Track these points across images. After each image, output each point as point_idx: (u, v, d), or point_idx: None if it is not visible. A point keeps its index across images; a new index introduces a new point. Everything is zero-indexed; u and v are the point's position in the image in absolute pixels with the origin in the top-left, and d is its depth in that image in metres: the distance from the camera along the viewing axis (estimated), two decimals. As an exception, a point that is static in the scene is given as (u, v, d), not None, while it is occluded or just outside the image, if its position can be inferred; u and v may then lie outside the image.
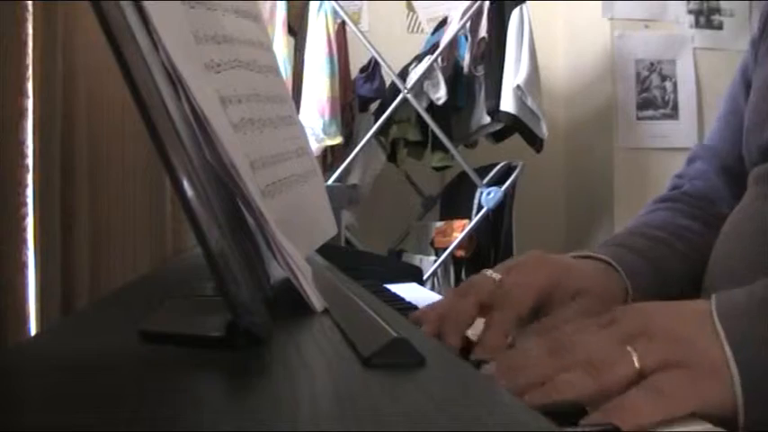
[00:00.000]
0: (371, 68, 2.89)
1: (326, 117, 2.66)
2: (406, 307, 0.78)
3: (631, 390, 0.44)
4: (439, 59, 2.76)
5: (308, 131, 2.55)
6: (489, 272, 0.68)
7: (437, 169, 3.04)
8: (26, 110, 0.54)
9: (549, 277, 0.66)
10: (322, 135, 2.65)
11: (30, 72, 0.54)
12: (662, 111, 3.17)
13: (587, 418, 0.42)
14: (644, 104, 3.16)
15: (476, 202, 2.72)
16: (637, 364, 0.45)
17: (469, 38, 2.90)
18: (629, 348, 0.45)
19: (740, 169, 0.79)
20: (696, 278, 0.76)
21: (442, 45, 2.79)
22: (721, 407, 0.44)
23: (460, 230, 2.71)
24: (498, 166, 2.77)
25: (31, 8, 0.54)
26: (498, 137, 2.91)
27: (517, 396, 0.42)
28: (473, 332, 0.64)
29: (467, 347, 0.61)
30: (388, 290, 0.94)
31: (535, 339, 0.52)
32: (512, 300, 0.63)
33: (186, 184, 0.35)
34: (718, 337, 0.46)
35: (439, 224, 2.92)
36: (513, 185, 2.74)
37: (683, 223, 0.82)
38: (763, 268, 0.65)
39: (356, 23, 2.96)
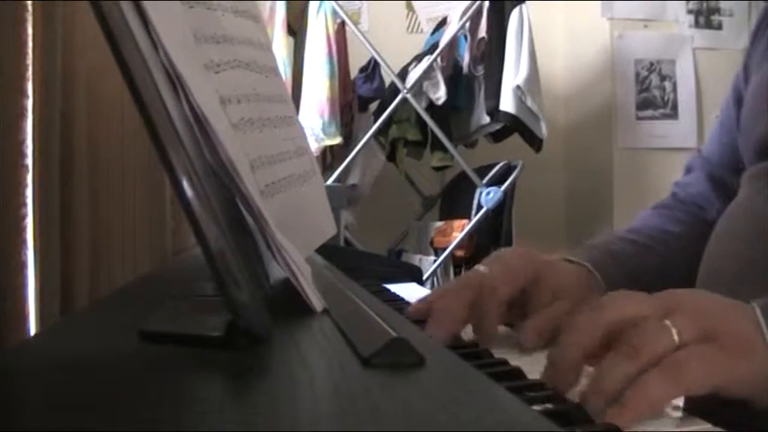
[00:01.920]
0: (371, 68, 2.89)
1: (326, 117, 2.66)
2: (405, 307, 0.78)
3: (649, 373, 0.43)
4: (438, 59, 2.76)
5: (308, 131, 2.55)
6: (479, 266, 0.69)
7: (437, 169, 3.03)
8: (26, 110, 0.54)
9: (533, 269, 0.68)
10: (321, 135, 2.65)
11: (30, 72, 0.54)
12: (661, 111, 3.17)
13: (607, 415, 0.42)
14: (643, 104, 3.16)
15: (475, 201, 2.72)
16: (676, 339, 0.44)
17: (469, 38, 2.90)
18: (666, 322, 0.45)
19: (728, 178, 0.83)
20: (673, 280, 0.76)
21: (441, 45, 2.79)
22: (748, 385, 0.44)
23: (460, 230, 2.71)
24: (498, 166, 2.77)
25: (31, 8, 0.54)
26: (498, 137, 2.91)
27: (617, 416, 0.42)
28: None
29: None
30: (388, 290, 0.94)
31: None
32: (496, 287, 0.65)
33: (186, 184, 0.35)
34: (752, 313, 0.46)
35: (438, 224, 2.92)
36: (512, 185, 2.74)
37: (669, 228, 0.86)
38: (756, 266, 0.66)
39: (356, 23, 2.96)
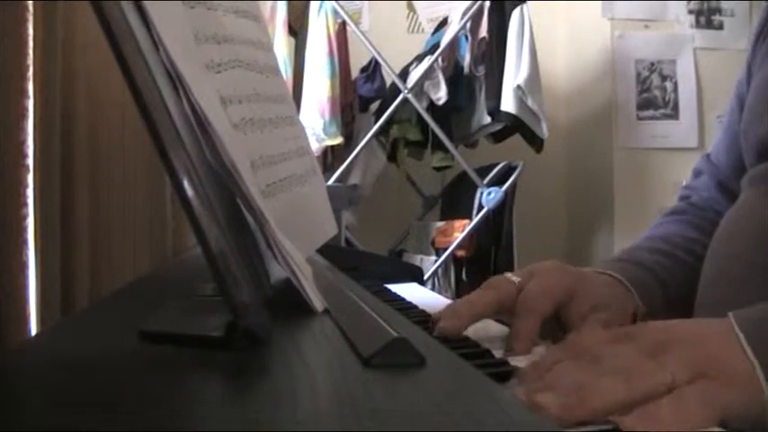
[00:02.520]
0: (372, 68, 2.89)
1: (327, 117, 2.66)
2: (406, 307, 0.78)
3: (660, 400, 0.43)
4: (439, 59, 2.76)
5: (309, 131, 2.55)
6: (510, 275, 0.69)
7: (437, 169, 3.04)
8: (26, 110, 0.54)
9: (568, 285, 0.67)
10: (322, 135, 2.65)
11: (30, 72, 0.54)
12: (662, 111, 3.17)
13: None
14: (644, 104, 3.16)
15: (476, 202, 2.72)
16: (670, 377, 0.44)
17: (470, 38, 2.90)
18: (661, 359, 0.45)
19: (736, 186, 0.82)
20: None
21: (442, 45, 2.79)
22: (750, 416, 0.44)
23: (461, 230, 2.71)
24: (499, 166, 2.77)
25: (31, 8, 0.54)
26: (498, 137, 2.91)
27: (551, 401, 0.41)
28: (474, 333, 0.64)
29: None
30: (389, 290, 0.94)
31: (561, 353, 0.50)
32: (534, 304, 0.64)
33: (186, 184, 0.35)
34: (740, 346, 0.46)
35: (439, 224, 2.92)
36: (513, 185, 2.74)
37: (691, 235, 0.85)
38: (758, 268, 0.65)
39: (356, 23, 2.96)
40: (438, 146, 2.88)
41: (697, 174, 0.94)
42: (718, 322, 0.49)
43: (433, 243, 2.89)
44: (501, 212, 2.74)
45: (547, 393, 0.43)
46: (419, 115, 2.75)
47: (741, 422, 0.44)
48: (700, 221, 0.87)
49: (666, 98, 3.17)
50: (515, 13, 2.69)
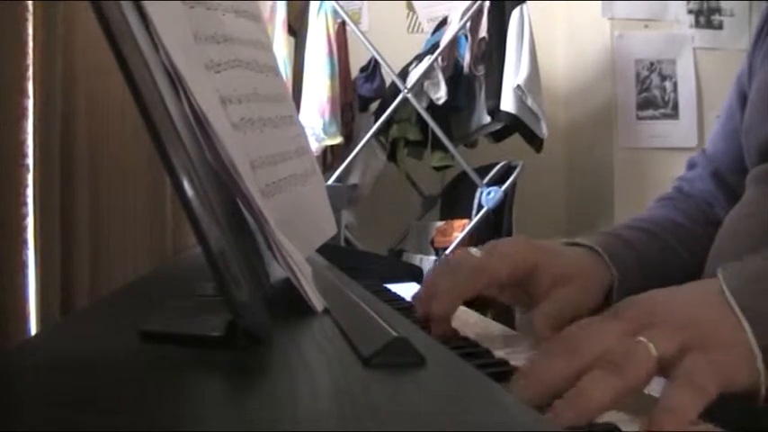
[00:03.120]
0: (371, 68, 2.89)
1: (326, 117, 2.66)
2: (406, 307, 0.78)
3: (672, 387, 0.42)
4: (439, 59, 2.76)
5: (308, 131, 2.55)
6: (473, 249, 0.69)
7: (437, 169, 3.03)
8: (26, 110, 0.54)
9: (530, 255, 0.68)
10: (322, 135, 2.65)
11: (30, 72, 0.54)
12: (662, 110, 3.17)
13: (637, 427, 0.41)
14: (644, 104, 3.16)
15: (476, 201, 2.72)
16: (654, 353, 0.43)
17: (469, 38, 2.90)
18: (641, 338, 0.44)
19: (732, 179, 0.82)
20: (685, 273, 0.76)
21: (442, 45, 2.79)
22: (744, 382, 0.44)
23: (461, 230, 2.71)
24: (498, 166, 2.77)
25: (31, 8, 0.54)
26: (498, 137, 2.91)
27: (543, 409, 0.41)
28: (475, 333, 0.64)
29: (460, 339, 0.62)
30: (388, 290, 0.94)
31: (551, 347, 0.49)
32: (487, 267, 0.65)
33: (186, 184, 0.35)
34: (732, 312, 0.45)
35: (439, 224, 2.92)
36: (513, 185, 2.74)
37: (678, 220, 0.85)
38: None
39: (356, 23, 2.96)
40: (438, 145, 2.88)
41: (691, 166, 0.94)
42: (704, 285, 0.49)
43: (432, 243, 2.89)
44: (501, 212, 2.74)
45: (535, 392, 0.43)
46: (419, 115, 2.75)
47: (738, 388, 0.43)
48: (687, 207, 0.87)
49: (666, 98, 3.17)
50: (515, 13, 2.69)
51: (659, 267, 0.77)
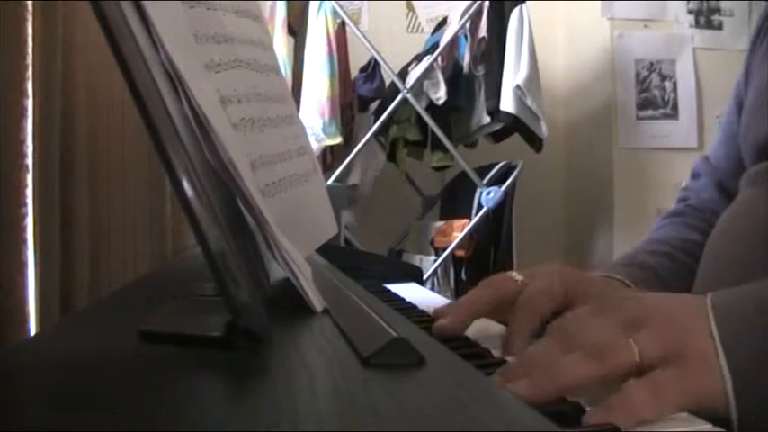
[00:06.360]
0: (371, 68, 2.89)
1: (326, 117, 2.66)
2: (406, 307, 0.78)
3: (633, 385, 0.43)
4: (439, 59, 2.76)
5: (308, 131, 2.55)
6: (513, 273, 0.69)
7: (437, 169, 3.04)
8: (26, 110, 0.54)
9: (568, 287, 0.67)
10: (322, 135, 2.65)
11: (30, 72, 0.54)
12: (662, 111, 3.17)
13: (587, 416, 0.42)
14: (644, 104, 3.16)
15: (476, 201, 2.72)
16: (637, 357, 0.45)
17: (469, 38, 2.90)
18: (630, 340, 0.46)
19: (735, 184, 0.82)
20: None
21: (441, 45, 2.79)
22: (714, 403, 0.44)
23: (460, 230, 2.71)
24: (498, 166, 2.77)
25: (31, 8, 0.54)
26: (498, 137, 2.91)
27: (523, 386, 0.43)
28: (474, 333, 0.64)
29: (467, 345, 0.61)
30: (388, 290, 0.94)
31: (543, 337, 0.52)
32: (534, 304, 0.65)
33: (186, 184, 0.35)
34: (711, 333, 0.46)
35: (439, 224, 2.92)
36: (512, 185, 2.74)
37: (690, 237, 0.86)
38: (755, 267, 0.66)
39: (356, 23, 2.96)
40: (437, 146, 2.88)
41: (695, 176, 0.94)
42: (695, 300, 0.50)
43: (432, 243, 2.89)
44: (500, 212, 2.74)
45: (518, 381, 0.44)
46: (418, 115, 2.75)
47: (708, 408, 0.44)
48: (698, 223, 0.88)
49: (666, 98, 3.18)
50: (515, 13, 2.69)
51: (680, 287, 0.78)
